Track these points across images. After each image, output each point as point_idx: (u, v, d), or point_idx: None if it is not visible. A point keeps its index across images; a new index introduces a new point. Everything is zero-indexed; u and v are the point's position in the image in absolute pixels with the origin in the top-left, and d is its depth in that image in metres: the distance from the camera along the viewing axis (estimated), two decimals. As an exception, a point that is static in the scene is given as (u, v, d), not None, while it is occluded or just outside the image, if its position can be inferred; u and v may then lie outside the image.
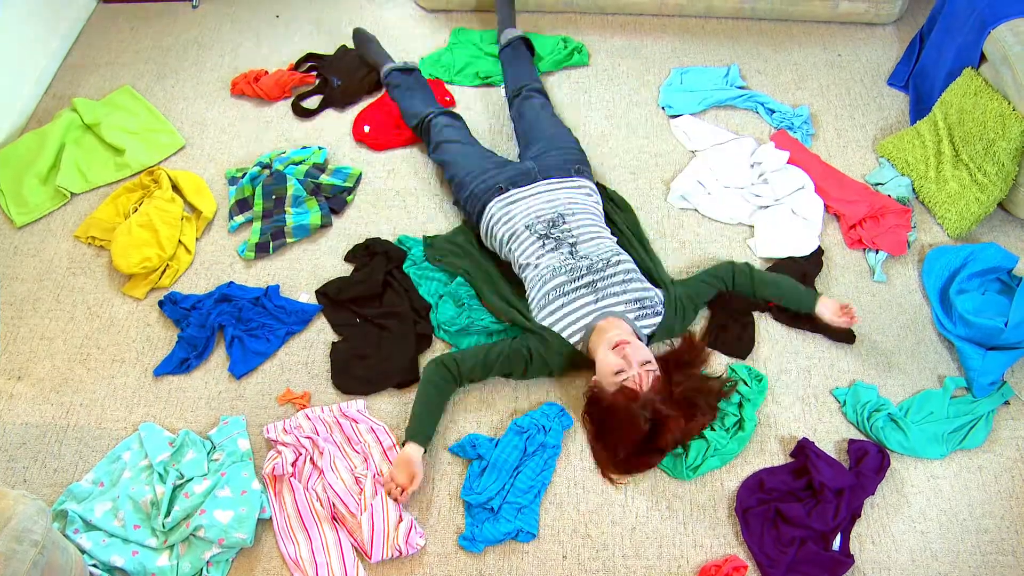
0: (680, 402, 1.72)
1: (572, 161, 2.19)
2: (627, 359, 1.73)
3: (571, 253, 1.95)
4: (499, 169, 2.16)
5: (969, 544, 1.72)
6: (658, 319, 1.90)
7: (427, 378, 1.86)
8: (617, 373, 1.73)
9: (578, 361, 1.90)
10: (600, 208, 2.13)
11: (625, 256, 1.98)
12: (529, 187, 2.09)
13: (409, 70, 2.54)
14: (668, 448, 1.75)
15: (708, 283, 2.01)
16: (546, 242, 1.98)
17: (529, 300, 1.97)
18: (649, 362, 1.75)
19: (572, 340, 1.86)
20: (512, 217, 2.04)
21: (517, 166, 2.16)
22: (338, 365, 2.00)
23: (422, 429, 1.79)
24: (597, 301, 1.88)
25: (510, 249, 2.04)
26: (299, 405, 1.94)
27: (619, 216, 2.20)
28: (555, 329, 1.87)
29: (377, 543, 1.68)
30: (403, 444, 1.78)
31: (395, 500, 1.72)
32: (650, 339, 1.91)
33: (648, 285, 1.94)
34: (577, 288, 1.89)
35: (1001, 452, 1.84)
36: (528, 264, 1.98)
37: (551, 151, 2.20)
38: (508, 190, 2.09)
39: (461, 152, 2.26)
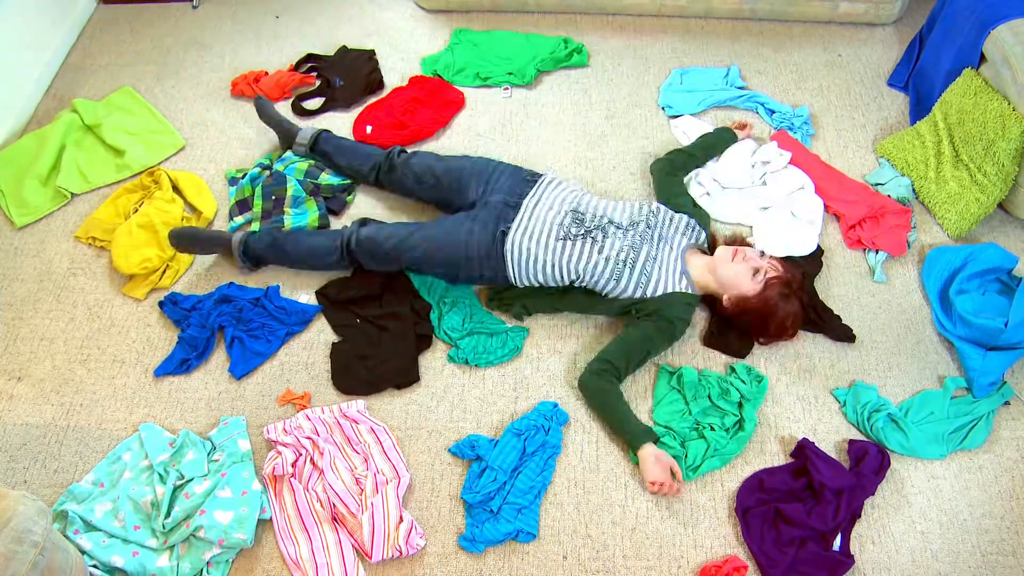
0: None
1: (518, 170, 2.13)
2: (753, 260, 1.92)
3: (617, 231, 1.97)
4: (477, 222, 2.02)
5: (969, 544, 1.72)
6: (701, 230, 2.08)
7: (599, 388, 1.88)
8: (755, 274, 1.91)
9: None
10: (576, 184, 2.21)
11: (642, 200, 2.12)
12: (522, 213, 2.00)
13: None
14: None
15: (684, 190, 2.22)
16: (589, 239, 1.95)
17: (619, 291, 1.95)
18: (762, 253, 1.96)
19: (689, 290, 1.96)
20: (541, 245, 1.96)
21: (492, 206, 2.04)
22: (338, 366, 2.00)
23: (641, 426, 1.82)
24: (672, 248, 1.99)
25: (570, 268, 1.96)
26: (299, 406, 1.94)
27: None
28: (669, 290, 1.93)
29: (377, 543, 1.68)
30: (634, 451, 1.80)
31: (674, 493, 1.76)
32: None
33: (672, 211, 2.09)
34: (653, 248, 1.96)
35: (1001, 452, 1.84)
36: (593, 268, 1.94)
37: (496, 177, 2.11)
38: (509, 230, 1.99)
39: (430, 233, 2.05)
